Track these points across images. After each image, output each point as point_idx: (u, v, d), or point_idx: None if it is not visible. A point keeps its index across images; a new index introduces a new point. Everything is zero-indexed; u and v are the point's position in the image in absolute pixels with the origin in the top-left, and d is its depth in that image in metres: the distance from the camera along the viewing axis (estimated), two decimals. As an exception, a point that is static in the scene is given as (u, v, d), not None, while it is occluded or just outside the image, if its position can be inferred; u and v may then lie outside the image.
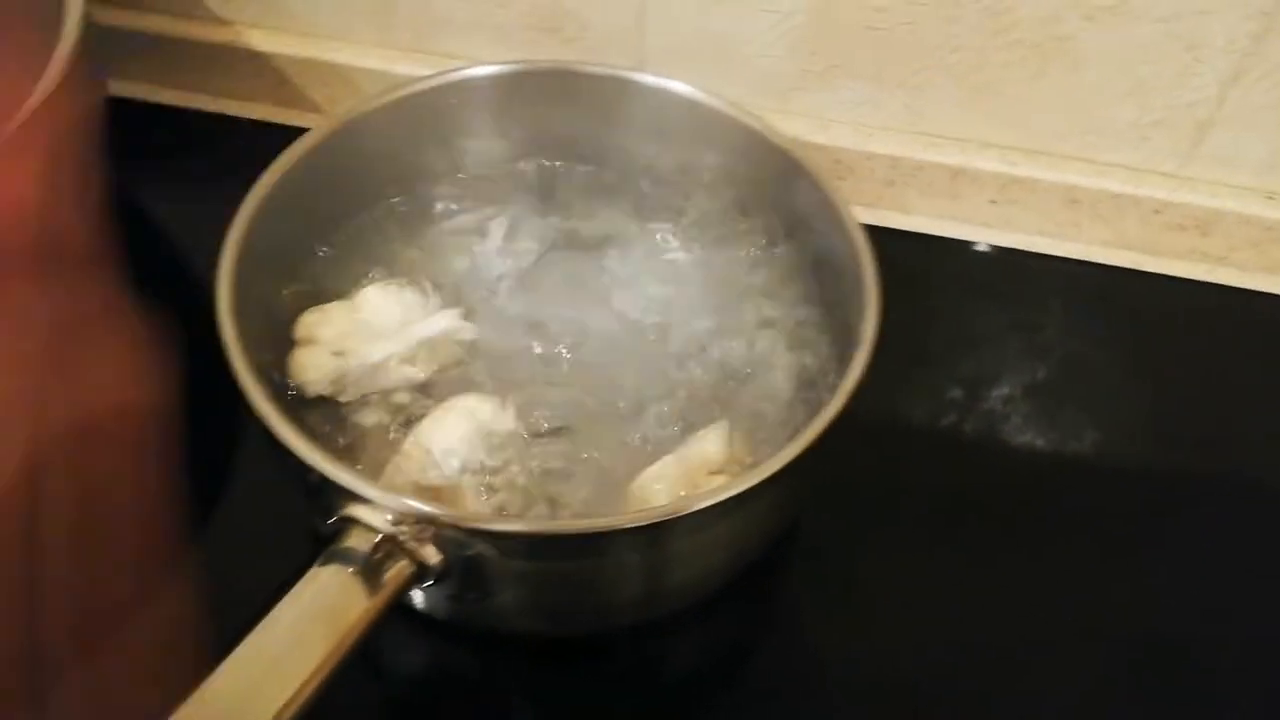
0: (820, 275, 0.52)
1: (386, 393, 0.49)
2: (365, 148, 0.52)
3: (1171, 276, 0.67)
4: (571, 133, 0.56)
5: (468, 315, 0.52)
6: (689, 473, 0.44)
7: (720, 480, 0.44)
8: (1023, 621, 0.52)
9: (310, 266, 0.52)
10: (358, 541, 0.38)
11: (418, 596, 0.43)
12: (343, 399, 0.49)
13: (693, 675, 0.51)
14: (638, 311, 0.53)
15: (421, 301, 0.52)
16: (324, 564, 0.38)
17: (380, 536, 0.38)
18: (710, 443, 0.45)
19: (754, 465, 0.40)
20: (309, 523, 0.46)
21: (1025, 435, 0.58)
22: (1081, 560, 0.54)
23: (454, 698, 0.49)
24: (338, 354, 0.49)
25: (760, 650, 0.51)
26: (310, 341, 0.49)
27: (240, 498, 0.53)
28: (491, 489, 0.45)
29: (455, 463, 0.46)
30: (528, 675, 0.50)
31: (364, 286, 0.51)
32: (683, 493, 0.44)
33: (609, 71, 0.54)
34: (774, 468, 0.40)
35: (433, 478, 0.45)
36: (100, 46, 0.67)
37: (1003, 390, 0.60)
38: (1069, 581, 0.53)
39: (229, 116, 0.70)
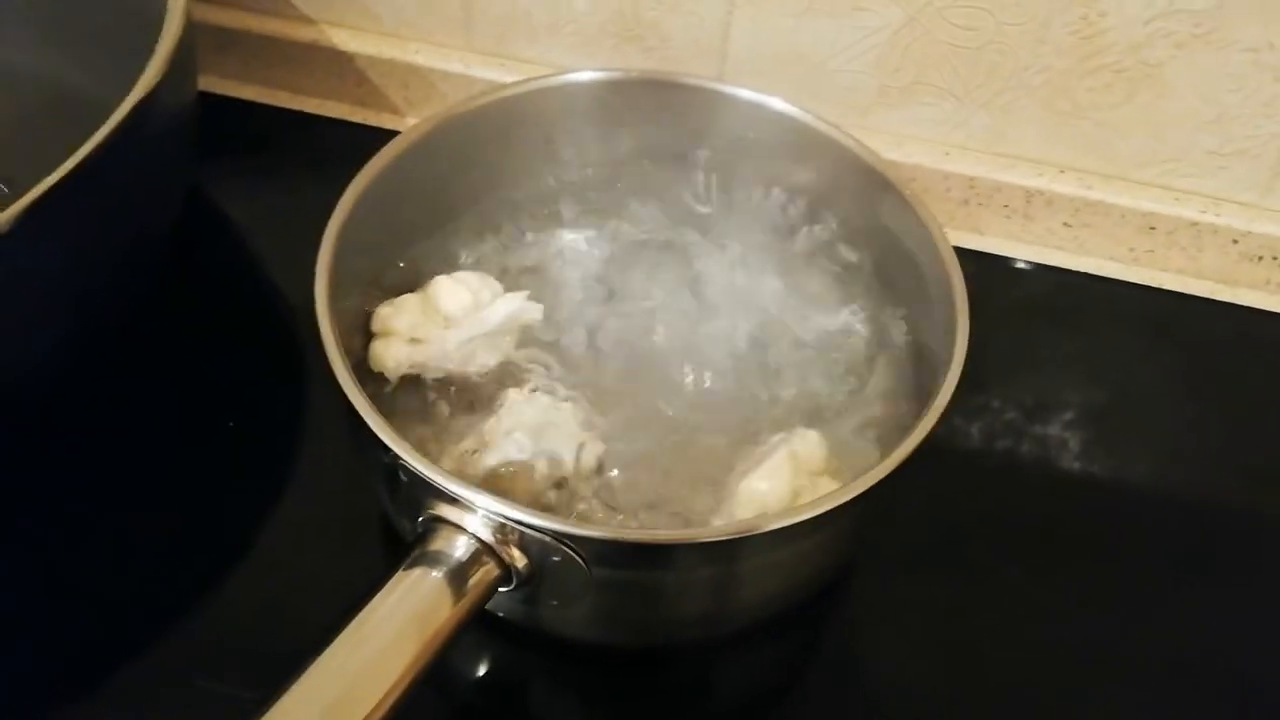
0: (907, 296, 0.52)
1: (463, 377, 0.50)
2: (457, 151, 0.53)
3: (1246, 307, 0.66)
4: (661, 142, 0.56)
5: (549, 317, 0.52)
6: (795, 474, 0.44)
7: (825, 482, 0.45)
8: (1080, 654, 0.51)
9: (396, 266, 0.53)
10: (445, 544, 0.38)
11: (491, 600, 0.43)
12: (419, 384, 0.49)
13: (748, 696, 0.51)
14: (717, 322, 0.53)
15: (492, 287, 0.52)
16: (411, 566, 0.38)
17: (469, 538, 0.38)
18: (811, 444, 0.45)
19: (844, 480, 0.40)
20: (391, 520, 0.46)
21: (1089, 466, 0.58)
22: (1141, 594, 0.53)
23: (512, 703, 0.49)
24: (413, 341, 0.49)
25: (818, 673, 0.51)
26: (386, 333, 0.50)
27: (317, 494, 0.53)
28: (571, 491, 0.46)
29: (529, 451, 0.46)
30: (589, 687, 0.50)
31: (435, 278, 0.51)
32: (789, 493, 0.44)
33: (703, 83, 0.54)
34: (863, 487, 0.39)
35: (502, 463, 0.46)
36: (197, 43, 0.69)
37: (1067, 417, 0.60)
38: (1127, 614, 0.52)
39: (308, 114, 0.71)
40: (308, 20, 0.69)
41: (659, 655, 0.50)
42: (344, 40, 0.69)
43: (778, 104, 0.52)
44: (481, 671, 0.49)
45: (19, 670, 0.47)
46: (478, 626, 0.47)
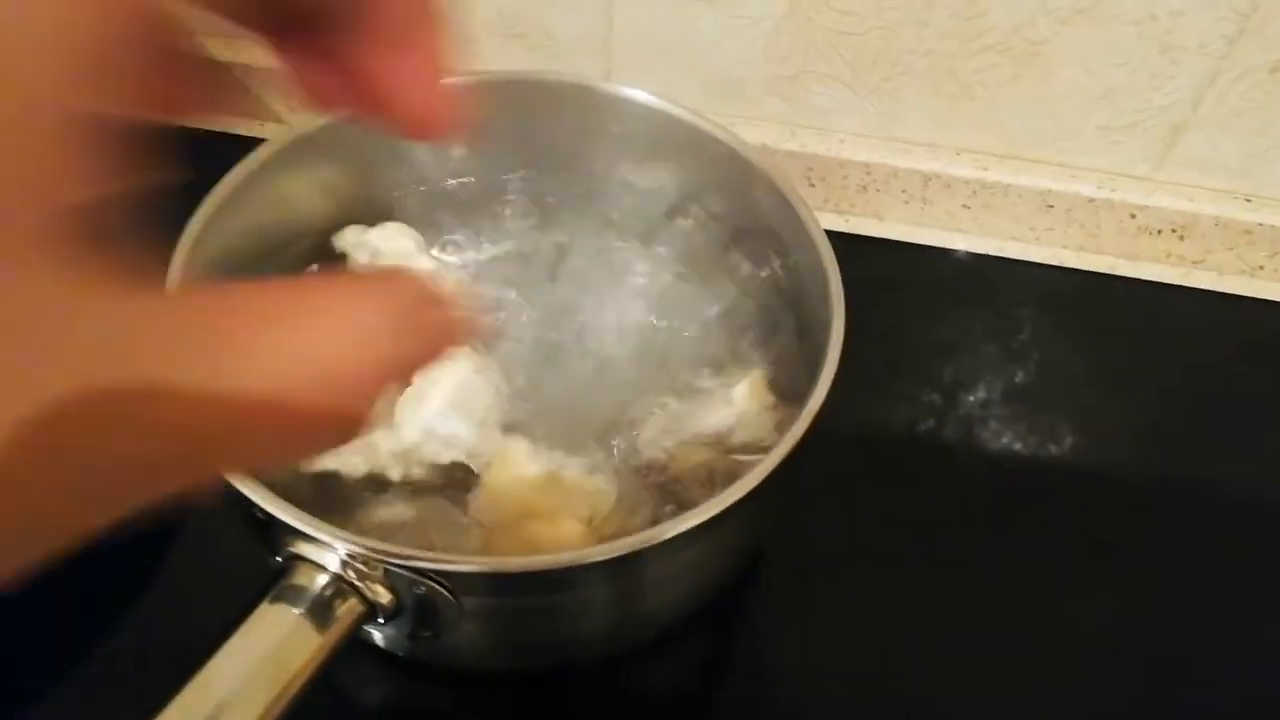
0: (790, 286, 0.51)
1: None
2: (321, 162, 0.51)
3: (1147, 281, 0.66)
4: (536, 143, 0.54)
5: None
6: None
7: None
8: (1000, 636, 0.51)
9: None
10: (306, 579, 0.37)
11: (376, 634, 0.42)
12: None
13: (658, 706, 0.50)
14: (600, 318, 0.52)
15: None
16: (272, 602, 0.37)
17: (329, 575, 0.37)
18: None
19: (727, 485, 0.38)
20: (261, 559, 0.44)
21: (1000, 442, 0.58)
22: (1057, 569, 0.53)
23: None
24: None
25: (727, 678, 0.50)
26: None
27: (196, 528, 0.51)
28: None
29: (462, 430, 0.44)
30: (491, 709, 0.48)
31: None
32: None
33: (572, 80, 0.52)
34: (737, 495, 0.38)
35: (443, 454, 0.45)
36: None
37: (978, 396, 0.59)
38: (1045, 591, 0.52)
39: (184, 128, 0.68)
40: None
41: (560, 673, 0.49)
42: (220, 49, 0.66)
43: (645, 97, 0.51)
44: (382, 704, 0.48)
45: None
46: (374, 659, 0.46)
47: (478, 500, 0.45)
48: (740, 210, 0.52)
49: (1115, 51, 0.58)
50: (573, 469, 0.46)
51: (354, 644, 0.38)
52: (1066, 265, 0.66)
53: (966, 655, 0.50)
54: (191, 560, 0.50)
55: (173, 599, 0.49)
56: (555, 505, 0.44)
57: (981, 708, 0.49)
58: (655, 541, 0.38)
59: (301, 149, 0.49)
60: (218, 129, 0.68)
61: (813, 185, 0.66)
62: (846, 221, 0.67)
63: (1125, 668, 0.50)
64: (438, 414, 0.45)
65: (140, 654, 0.47)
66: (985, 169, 0.64)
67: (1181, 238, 0.65)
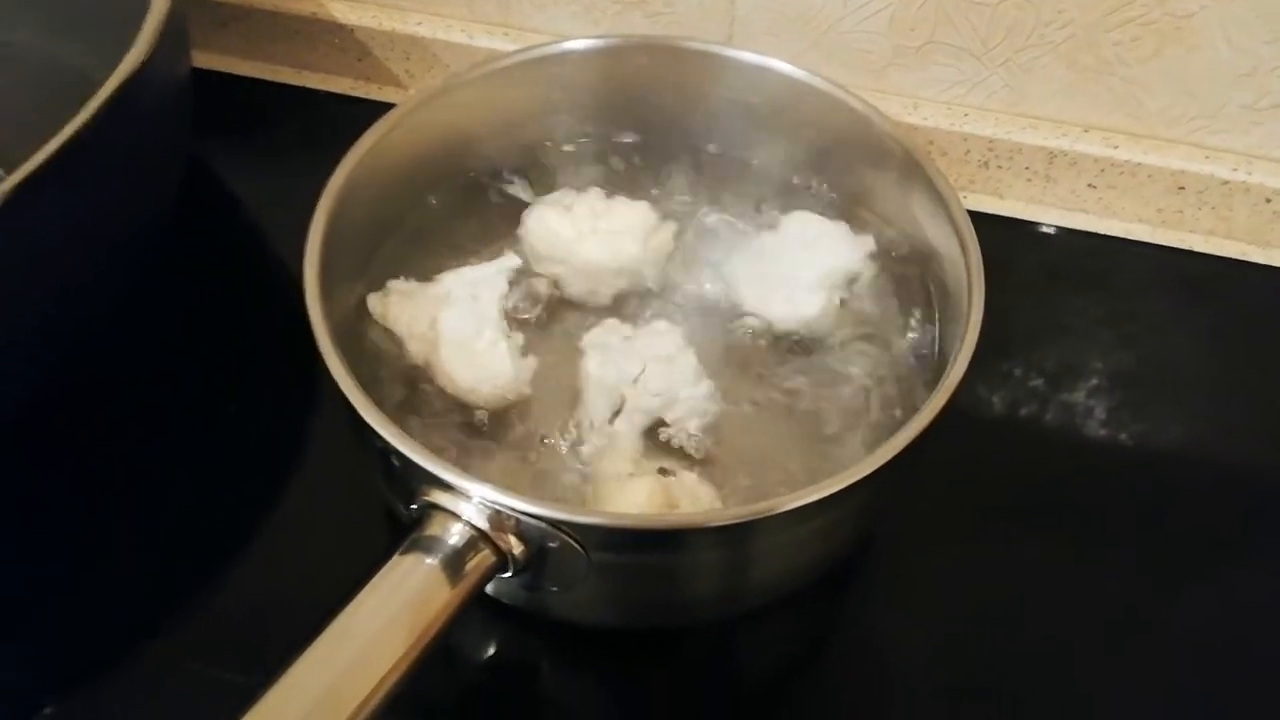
0: (923, 262, 0.50)
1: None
2: (454, 122, 0.51)
3: (1278, 268, 0.63)
4: (663, 109, 0.54)
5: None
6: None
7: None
8: (1105, 625, 0.50)
9: (395, 241, 0.51)
10: (439, 529, 0.37)
11: (492, 584, 0.42)
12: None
13: (765, 674, 0.50)
14: (719, 285, 0.52)
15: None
16: (406, 552, 0.37)
17: (463, 524, 0.37)
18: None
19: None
20: (390, 506, 0.45)
21: (1117, 431, 0.56)
22: (1169, 562, 0.52)
23: (524, 687, 0.48)
24: None
25: (834, 650, 0.50)
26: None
27: (318, 476, 0.53)
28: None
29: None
30: (600, 667, 0.49)
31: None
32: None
33: (704, 47, 0.52)
34: (867, 470, 0.38)
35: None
36: (185, 19, 0.68)
37: (1093, 383, 0.58)
38: (1154, 584, 0.51)
39: (310, 89, 0.70)
40: (308, -7, 0.68)
41: (671, 635, 0.49)
42: (344, 13, 0.67)
43: (782, 66, 0.50)
44: (491, 655, 0.48)
45: (25, 659, 0.47)
46: (486, 611, 0.47)
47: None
48: (871, 183, 0.51)
49: (1265, 27, 0.56)
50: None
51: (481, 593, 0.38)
52: (1194, 249, 0.64)
53: (1068, 647, 0.49)
54: (312, 510, 0.52)
55: (296, 549, 0.50)
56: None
57: (1080, 699, 0.48)
58: (778, 510, 0.38)
59: (437, 106, 0.50)
60: (339, 91, 0.69)
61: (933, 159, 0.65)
62: (965, 198, 0.65)
63: (1230, 668, 0.48)
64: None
65: (267, 603, 0.48)
66: (1115, 147, 0.62)
67: (1320, 225, 0.62)
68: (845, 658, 0.49)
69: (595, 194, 0.53)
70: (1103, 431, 0.56)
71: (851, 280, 0.51)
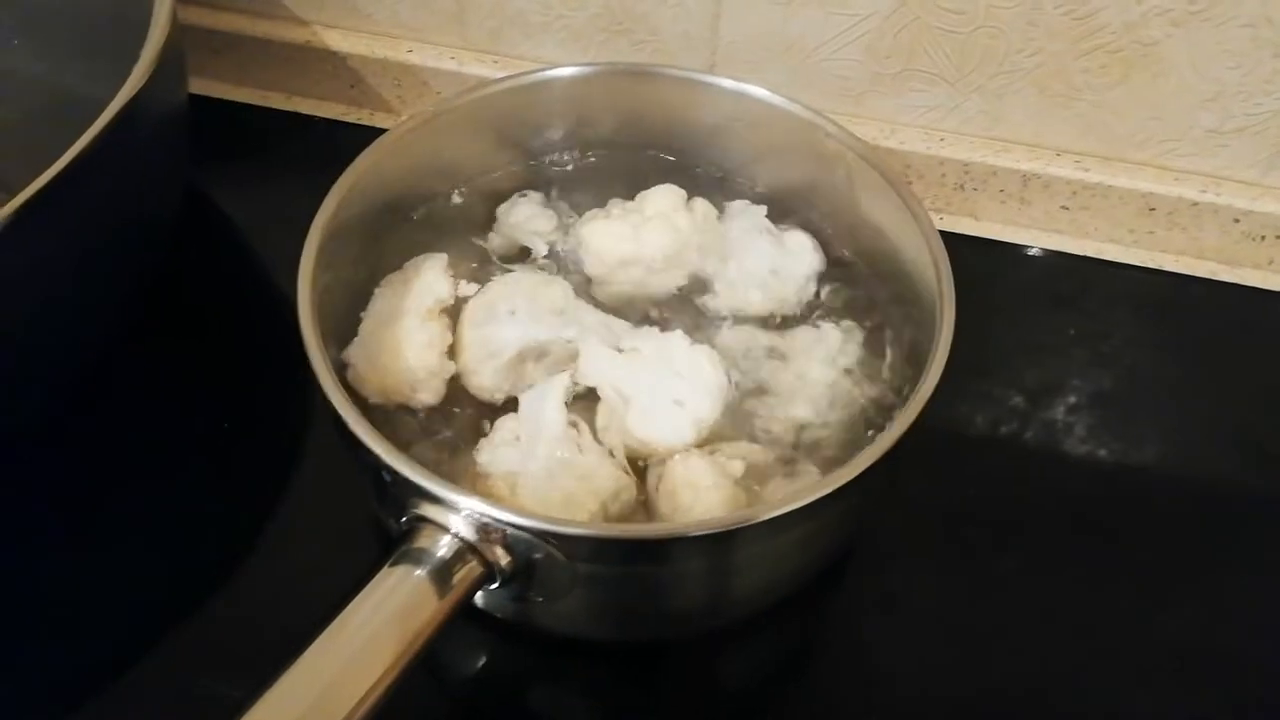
0: (894, 281, 0.52)
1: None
2: (442, 147, 0.53)
3: (1248, 287, 0.65)
4: (645, 133, 0.56)
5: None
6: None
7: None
8: (1085, 636, 0.51)
9: (385, 259, 0.53)
10: (428, 541, 0.38)
11: (479, 596, 0.43)
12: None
13: (750, 684, 0.51)
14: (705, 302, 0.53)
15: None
16: (395, 564, 0.38)
17: (451, 536, 0.38)
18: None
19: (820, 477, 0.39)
20: (379, 519, 0.46)
21: (1089, 448, 0.57)
22: (1146, 575, 0.53)
23: (512, 698, 0.49)
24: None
25: (819, 662, 0.51)
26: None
27: (313, 490, 0.54)
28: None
29: None
30: (588, 679, 0.50)
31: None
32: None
33: (683, 74, 0.54)
34: (845, 478, 0.39)
35: None
36: (184, 45, 0.69)
37: (1069, 401, 0.59)
38: (1133, 595, 0.52)
39: (304, 115, 0.71)
40: (301, 22, 0.69)
41: (659, 645, 0.50)
42: (337, 41, 0.69)
43: (759, 92, 0.52)
44: (480, 668, 0.49)
45: (17, 673, 0.48)
46: (476, 625, 0.48)
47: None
48: (847, 204, 0.53)
49: (1228, 54, 0.58)
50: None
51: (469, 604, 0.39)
52: (1165, 269, 0.66)
53: (1048, 656, 0.50)
54: (305, 519, 0.53)
55: (286, 562, 0.51)
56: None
57: (1062, 708, 0.49)
58: (756, 520, 0.39)
59: (429, 129, 0.52)
60: (332, 117, 0.71)
61: (910, 183, 0.66)
62: (942, 220, 0.67)
63: (1206, 680, 0.50)
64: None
65: (257, 616, 0.49)
66: (1086, 170, 0.64)
67: (1287, 244, 0.64)
68: (831, 668, 0.50)
69: (615, 201, 0.55)
70: (1079, 447, 0.57)
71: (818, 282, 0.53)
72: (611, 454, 0.45)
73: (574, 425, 0.46)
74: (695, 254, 0.53)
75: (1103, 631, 0.51)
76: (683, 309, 0.53)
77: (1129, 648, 0.50)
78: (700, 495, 0.43)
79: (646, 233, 0.52)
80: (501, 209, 0.55)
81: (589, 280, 0.53)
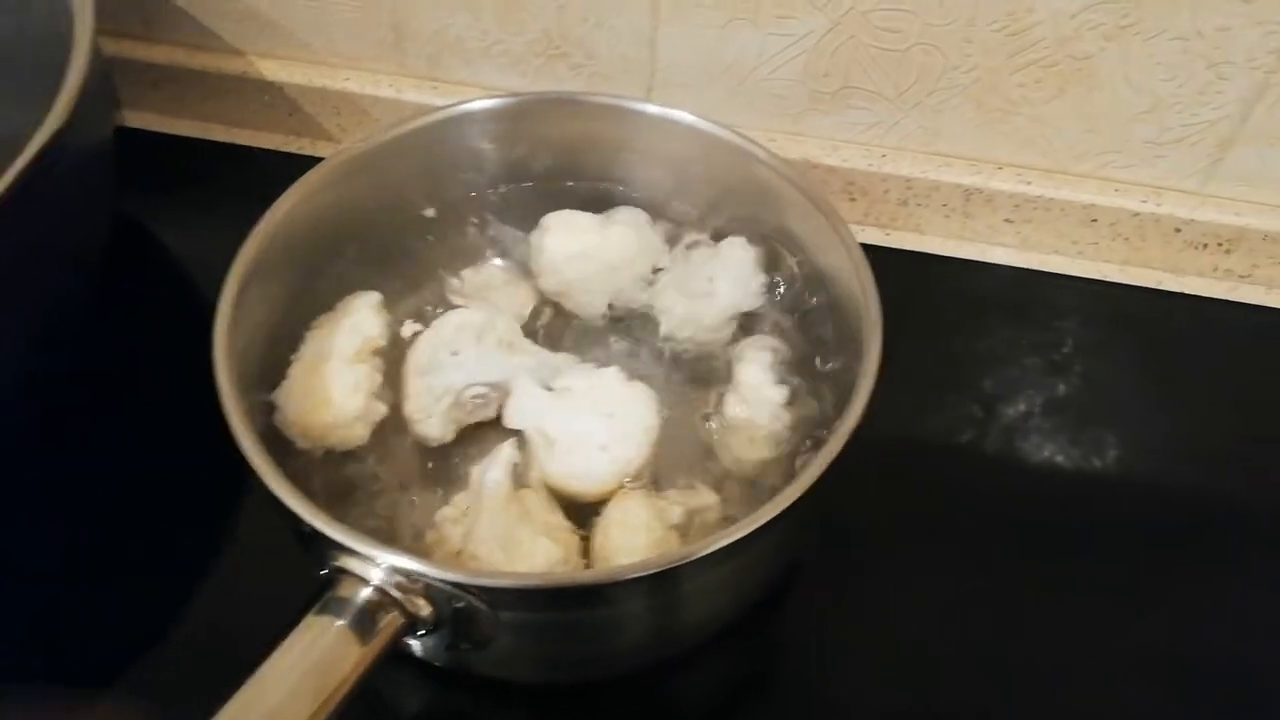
0: (831, 304, 0.51)
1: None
2: (375, 178, 0.52)
3: (1193, 295, 0.65)
4: (578, 160, 0.56)
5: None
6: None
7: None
8: (1041, 646, 0.51)
9: (320, 298, 0.52)
10: (349, 591, 0.38)
11: (415, 644, 0.43)
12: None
13: (704, 712, 0.50)
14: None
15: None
16: (317, 614, 0.38)
17: (370, 588, 0.38)
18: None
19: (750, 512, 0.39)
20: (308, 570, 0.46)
21: (1043, 456, 0.57)
22: (1099, 583, 0.53)
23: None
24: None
25: (768, 688, 0.51)
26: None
27: (246, 539, 0.53)
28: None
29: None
30: (528, 718, 0.49)
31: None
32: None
33: (611, 101, 0.53)
34: (771, 513, 0.39)
35: None
36: (111, 79, 0.68)
37: (1019, 410, 0.59)
38: (1087, 606, 0.52)
39: (242, 146, 0.70)
40: (238, 53, 0.69)
41: (595, 685, 0.50)
42: (273, 71, 0.68)
43: (683, 116, 0.52)
44: (419, 711, 0.49)
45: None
46: (413, 670, 0.48)
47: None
48: (777, 226, 0.53)
49: (1161, 66, 0.58)
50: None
51: (392, 653, 0.39)
52: (1110, 279, 0.66)
53: (1004, 668, 0.50)
54: (240, 570, 0.52)
55: (223, 607, 0.51)
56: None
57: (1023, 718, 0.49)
58: (687, 559, 0.38)
59: (360, 162, 0.51)
60: (271, 147, 0.70)
61: (853, 200, 0.66)
62: (887, 235, 0.67)
63: (1167, 690, 0.50)
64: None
65: (190, 661, 0.49)
66: (1028, 183, 0.64)
67: (1228, 251, 0.64)
68: (780, 694, 0.50)
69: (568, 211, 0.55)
70: (1034, 457, 0.57)
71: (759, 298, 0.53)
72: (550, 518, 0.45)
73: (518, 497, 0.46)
74: (649, 264, 0.53)
75: (1063, 637, 0.51)
76: (629, 329, 0.53)
77: (1087, 657, 0.50)
78: (629, 537, 0.43)
79: (611, 228, 0.53)
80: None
81: (541, 274, 0.53)
